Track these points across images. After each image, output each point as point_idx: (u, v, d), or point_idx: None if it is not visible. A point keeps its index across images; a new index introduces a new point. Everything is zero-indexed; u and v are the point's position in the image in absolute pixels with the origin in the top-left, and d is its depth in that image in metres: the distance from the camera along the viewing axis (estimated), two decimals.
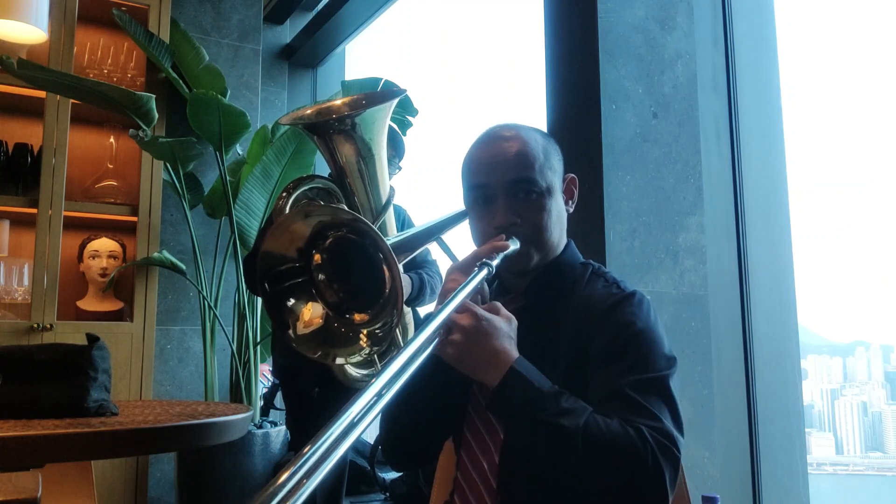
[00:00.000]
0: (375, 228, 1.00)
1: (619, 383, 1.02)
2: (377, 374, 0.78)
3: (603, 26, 2.09)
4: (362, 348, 1.03)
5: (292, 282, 1.05)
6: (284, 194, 1.51)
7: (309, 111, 1.56)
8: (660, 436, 0.96)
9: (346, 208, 1.05)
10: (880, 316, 2.41)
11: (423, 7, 4.39)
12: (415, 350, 0.87)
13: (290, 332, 1.05)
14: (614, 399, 1.01)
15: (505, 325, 1.03)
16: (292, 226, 1.02)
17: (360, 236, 1.02)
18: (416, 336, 0.89)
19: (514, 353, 1.02)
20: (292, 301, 1.05)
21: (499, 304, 1.06)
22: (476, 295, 1.07)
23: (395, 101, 1.60)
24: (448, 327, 0.99)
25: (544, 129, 1.28)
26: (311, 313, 1.06)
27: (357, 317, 1.06)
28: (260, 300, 3.49)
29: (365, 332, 1.04)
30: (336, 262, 1.06)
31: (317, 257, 1.05)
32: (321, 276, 1.06)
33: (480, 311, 1.01)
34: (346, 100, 1.56)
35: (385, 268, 1.00)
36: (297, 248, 1.04)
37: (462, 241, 1.29)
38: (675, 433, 0.98)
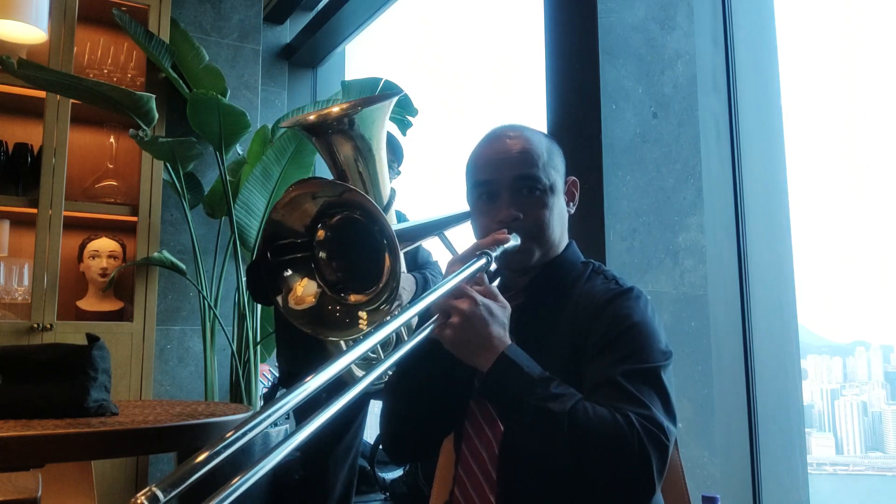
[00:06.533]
0: (382, 212, 1.01)
1: (612, 372, 1.03)
2: (348, 350, 0.79)
3: (603, 26, 2.09)
4: (358, 329, 1.05)
5: (293, 255, 1.07)
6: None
7: (311, 116, 1.56)
8: (648, 423, 0.96)
9: (358, 189, 1.06)
10: (880, 316, 2.41)
11: (424, 7, 4.39)
12: (388, 333, 0.86)
13: (279, 299, 1.08)
14: (606, 386, 1.02)
15: (500, 311, 1.05)
16: (304, 203, 1.04)
17: (367, 219, 1.03)
18: (394, 319, 0.88)
19: (507, 340, 1.04)
20: (289, 272, 1.09)
21: (496, 290, 1.07)
22: (474, 284, 1.08)
23: (394, 101, 1.61)
24: (447, 311, 1.01)
25: (544, 129, 1.29)
26: (305, 290, 1.07)
27: (353, 297, 1.07)
28: None
29: (362, 313, 1.06)
30: (339, 241, 1.08)
31: (320, 233, 1.07)
32: (322, 254, 1.08)
33: (478, 296, 1.03)
34: (344, 104, 1.58)
35: (387, 253, 1.01)
36: (305, 225, 1.07)
37: (465, 239, 1.30)
38: (665, 422, 0.98)
